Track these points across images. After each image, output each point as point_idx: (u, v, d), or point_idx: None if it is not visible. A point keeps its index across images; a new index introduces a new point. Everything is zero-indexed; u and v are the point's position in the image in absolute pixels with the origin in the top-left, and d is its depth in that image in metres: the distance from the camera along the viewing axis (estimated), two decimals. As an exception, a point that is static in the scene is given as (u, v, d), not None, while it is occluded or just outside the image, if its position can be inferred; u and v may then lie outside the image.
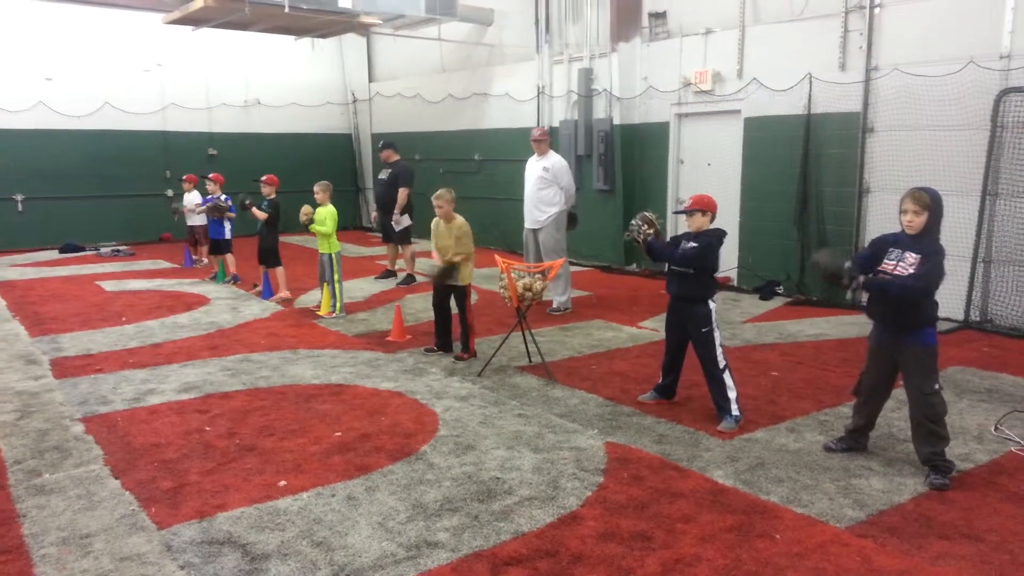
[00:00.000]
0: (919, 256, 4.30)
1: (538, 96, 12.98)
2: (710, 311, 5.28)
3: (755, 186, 10.09)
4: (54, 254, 13.77)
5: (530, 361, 6.77)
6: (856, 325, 8.19)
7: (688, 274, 5.32)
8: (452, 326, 7.16)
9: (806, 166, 9.44)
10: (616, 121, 11.67)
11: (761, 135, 9.97)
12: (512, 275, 6.61)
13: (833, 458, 4.70)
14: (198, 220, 11.79)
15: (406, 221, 10.70)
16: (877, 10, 8.72)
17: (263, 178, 9.67)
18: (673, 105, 11.08)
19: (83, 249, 14.09)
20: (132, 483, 4.37)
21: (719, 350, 5.28)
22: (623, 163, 11.70)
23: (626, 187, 11.76)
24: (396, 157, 10.96)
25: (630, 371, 6.54)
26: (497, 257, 7.03)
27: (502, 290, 6.77)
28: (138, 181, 15.11)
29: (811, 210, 9.48)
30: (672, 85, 10.99)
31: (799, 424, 5.26)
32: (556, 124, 12.49)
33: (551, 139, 9.54)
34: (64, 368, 6.65)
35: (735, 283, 10.34)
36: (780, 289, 9.73)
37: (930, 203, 4.36)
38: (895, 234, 4.52)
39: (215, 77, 16.05)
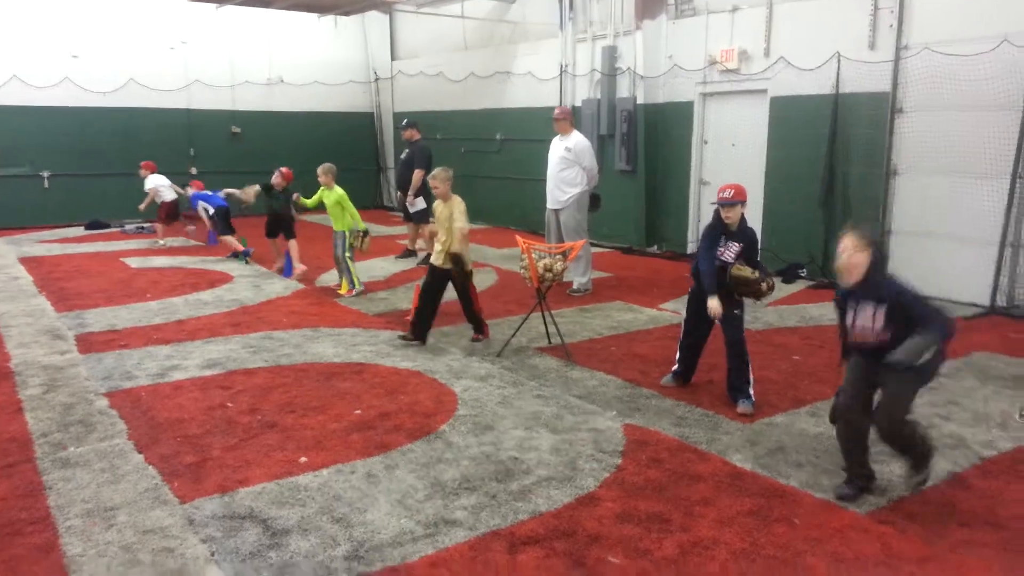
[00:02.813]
0: (883, 305, 3.83)
1: (561, 75, 12.86)
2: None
3: (780, 167, 9.96)
4: (80, 231, 13.93)
5: (549, 342, 6.76)
6: (880, 309, 8.10)
7: (728, 265, 5.17)
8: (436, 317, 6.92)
9: (833, 147, 9.29)
10: (640, 100, 11.54)
11: (787, 115, 9.82)
12: (533, 255, 6.59)
13: (854, 443, 4.66)
14: (168, 196, 12.14)
15: (420, 204, 10.61)
16: (908, -12, 8.52)
17: (282, 169, 9.91)
18: (698, 84, 10.94)
19: (108, 226, 14.23)
20: (155, 457, 4.43)
21: (742, 335, 5.27)
22: (646, 143, 11.59)
23: (648, 167, 11.65)
24: (418, 136, 10.92)
25: (650, 353, 6.51)
26: (518, 237, 7.01)
27: (522, 270, 6.75)
28: (163, 158, 15.13)
29: (837, 192, 9.35)
30: (697, 64, 10.84)
31: (820, 409, 5.21)
32: (579, 103, 12.38)
33: (574, 118, 9.45)
34: (89, 343, 6.74)
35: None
36: (803, 272, 9.61)
37: (873, 241, 3.96)
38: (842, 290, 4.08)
39: (239, 55, 16.07)
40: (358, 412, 5.17)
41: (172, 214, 12.29)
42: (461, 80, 15.21)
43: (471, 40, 15.25)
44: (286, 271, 9.86)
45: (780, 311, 8.01)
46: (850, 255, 3.88)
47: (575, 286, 8.86)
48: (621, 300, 8.52)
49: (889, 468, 4.26)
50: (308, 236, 13.30)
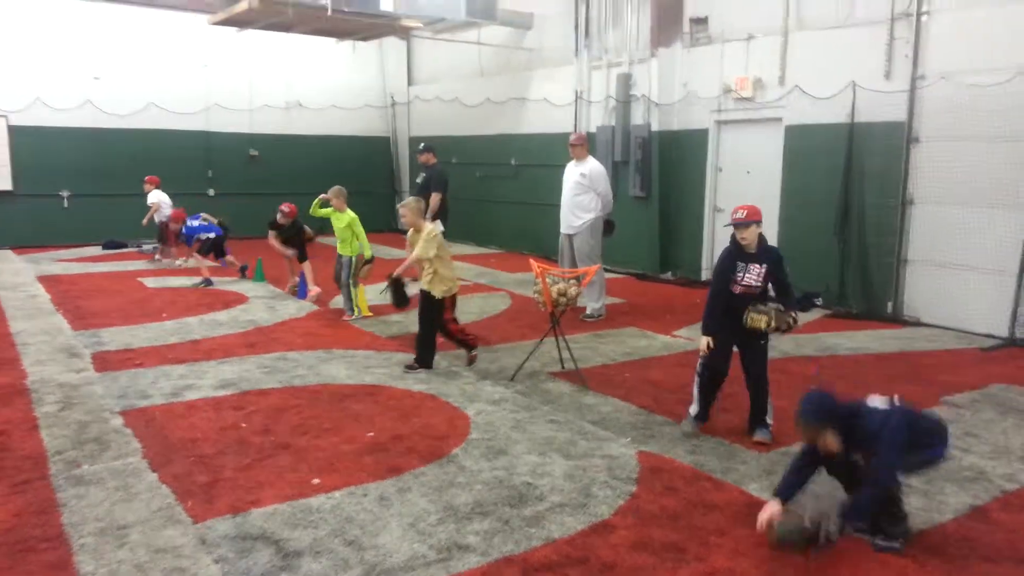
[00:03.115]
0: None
1: (576, 101, 12.96)
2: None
3: (795, 195, 9.95)
4: (97, 250, 14.07)
5: (563, 367, 6.74)
6: (898, 339, 8.04)
7: (757, 295, 5.03)
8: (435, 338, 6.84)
9: (848, 176, 9.29)
10: (654, 127, 11.60)
11: (802, 143, 9.83)
12: (547, 280, 6.59)
13: (872, 474, 4.60)
14: (167, 214, 12.04)
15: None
16: (924, 18, 8.56)
17: (284, 209, 9.91)
18: (713, 112, 10.98)
19: (125, 246, 14.37)
20: (169, 476, 4.43)
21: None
22: (660, 170, 11.62)
23: (663, 194, 11.67)
24: (434, 160, 11.01)
25: (664, 380, 6.48)
26: (532, 262, 7.01)
27: (536, 295, 6.75)
28: (181, 180, 15.33)
29: (852, 221, 9.32)
30: (712, 91, 10.89)
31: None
32: (594, 129, 12.45)
33: (588, 144, 9.50)
34: (105, 362, 6.78)
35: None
36: (819, 301, 9.57)
37: (819, 420, 3.75)
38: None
39: (258, 79, 16.30)
40: (371, 434, 5.16)
41: (175, 238, 12.03)
42: (477, 105, 15.35)
43: (487, 66, 15.41)
44: (300, 293, 9.90)
45: (797, 339, 7.95)
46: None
47: (589, 311, 8.85)
48: (635, 326, 8.49)
49: (907, 500, 4.20)
50: (325, 257, 13.38)
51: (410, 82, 17.81)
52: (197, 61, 15.58)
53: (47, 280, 10.86)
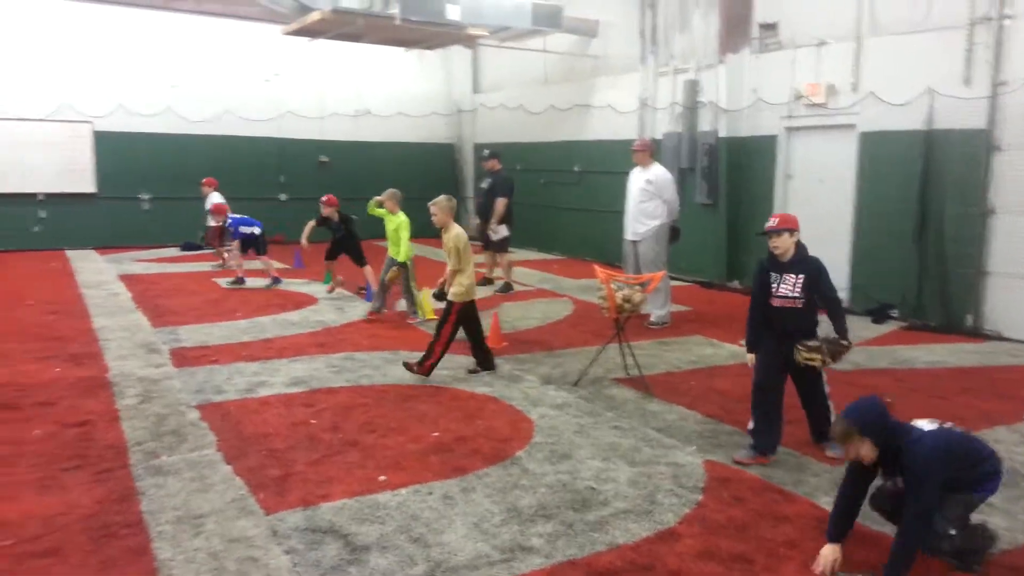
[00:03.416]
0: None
1: (641, 108, 12.88)
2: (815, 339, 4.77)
3: (870, 204, 9.68)
4: (176, 251, 14.59)
5: (627, 374, 6.70)
6: (978, 354, 7.74)
7: (797, 309, 4.73)
8: (483, 340, 6.85)
9: (925, 184, 8.98)
10: (722, 134, 11.45)
11: (877, 151, 9.56)
12: (611, 286, 6.56)
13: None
14: (211, 221, 12.20)
15: (503, 231, 10.79)
16: (1007, 22, 8.23)
17: (323, 199, 10.07)
18: (783, 118, 10.77)
19: (202, 248, 14.87)
20: (242, 469, 4.57)
21: (826, 387, 4.98)
22: (728, 177, 11.46)
23: (730, 202, 11.50)
24: (499, 167, 11.09)
25: (731, 389, 6.37)
26: (597, 268, 6.99)
27: (601, 300, 6.73)
28: (254, 185, 15.84)
29: (930, 230, 9.01)
30: (782, 98, 10.68)
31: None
32: (659, 136, 12.35)
33: (654, 151, 9.43)
34: (182, 358, 7.03)
35: (846, 304, 9.91)
36: (895, 313, 9.27)
37: (860, 427, 3.48)
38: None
39: (329, 87, 16.71)
40: (436, 434, 5.22)
41: (222, 238, 12.30)
42: (541, 113, 15.40)
43: (552, 74, 15.45)
44: (368, 296, 10.07)
45: (870, 352, 7.73)
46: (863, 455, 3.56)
47: (653, 319, 8.77)
48: (701, 334, 8.38)
49: (989, 519, 4.04)
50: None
51: (475, 89, 17.99)
52: (271, 70, 16.06)
53: (128, 279, 11.32)
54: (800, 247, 4.77)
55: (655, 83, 12.67)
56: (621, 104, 13.34)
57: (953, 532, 3.52)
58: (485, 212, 10.95)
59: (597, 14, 14.14)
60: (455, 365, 6.99)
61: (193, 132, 15.45)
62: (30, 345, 7.37)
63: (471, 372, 6.76)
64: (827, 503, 4.24)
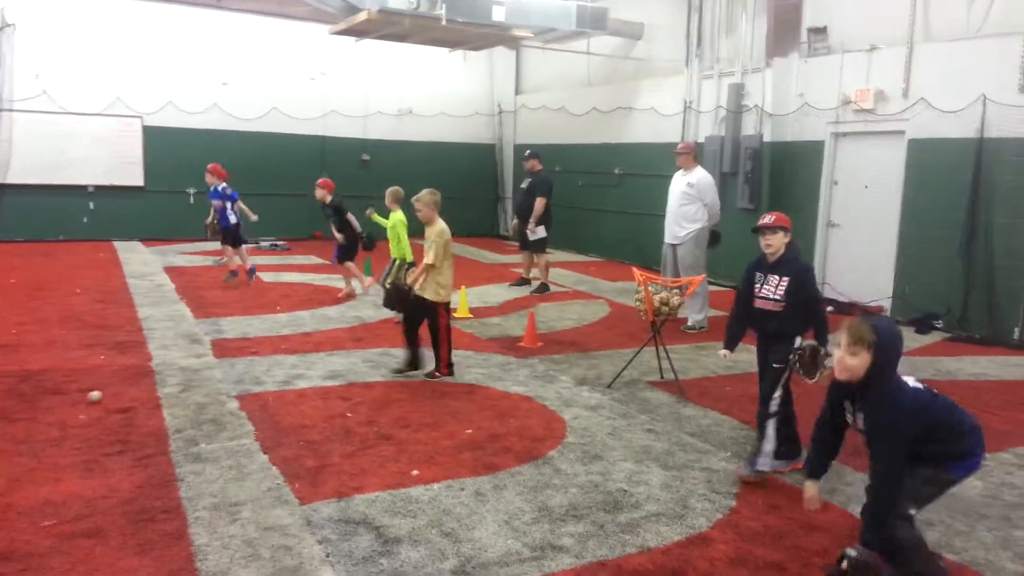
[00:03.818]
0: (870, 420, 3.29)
1: (684, 111, 12.78)
2: (792, 347, 4.48)
3: (917, 212, 9.47)
4: (218, 245, 14.83)
5: (662, 377, 6.65)
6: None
7: (777, 312, 4.49)
8: (420, 344, 6.62)
9: (976, 193, 8.77)
10: (766, 138, 11.30)
11: (926, 158, 9.35)
12: (649, 289, 6.53)
13: (993, 505, 4.34)
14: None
15: (541, 232, 10.79)
16: (1068, 28, 8.01)
17: (318, 182, 9.84)
18: (829, 123, 10.60)
19: (245, 242, 15.08)
20: (278, 459, 4.64)
21: (779, 392, 4.56)
22: (771, 182, 11.31)
23: (773, 206, 11.31)
24: (540, 168, 11.09)
25: (768, 396, 6.28)
26: (635, 270, 6.96)
27: (638, 303, 6.70)
28: (297, 182, 16.04)
29: (979, 241, 8.79)
30: (830, 103, 10.51)
31: (955, 467, 4.87)
32: (702, 139, 12.24)
33: (696, 154, 9.35)
34: (223, 349, 7.16)
35: (889, 313, 9.73)
36: (939, 324, 9.06)
37: (876, 341, 3.18)
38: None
39: (373, 86, 16.88)
40: (469, 431, 5.24)
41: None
42: (583, 114, 15.37)
43: (595, 76, 15.42)
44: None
45: (913, 362, 7.56)
46: (846, 363, 3.27)
47: (690, 323, 8.70)
48: (738, 340, 8.28)
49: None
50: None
51: (517, 91, 18.02)
52: (317, 69, 16.28)
53: (172, 271, 11.57)
54: (791, 249, 4.56)
55: (699, 86, 12.57)
56: (664, 107, 13.25)
57: (913, 512, 3.23)
58: (523, 212, 10.97)
59: (642, 17, 14.08)
60: (490, 364, 7.01)
61: (239, 129, 15.73)
62: (78, 332, 7.58)
63: (396, 372, 6.55)
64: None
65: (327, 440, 4.98)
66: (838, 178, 10.70)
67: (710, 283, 9.72)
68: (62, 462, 4.50)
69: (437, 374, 6.49)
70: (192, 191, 15.50)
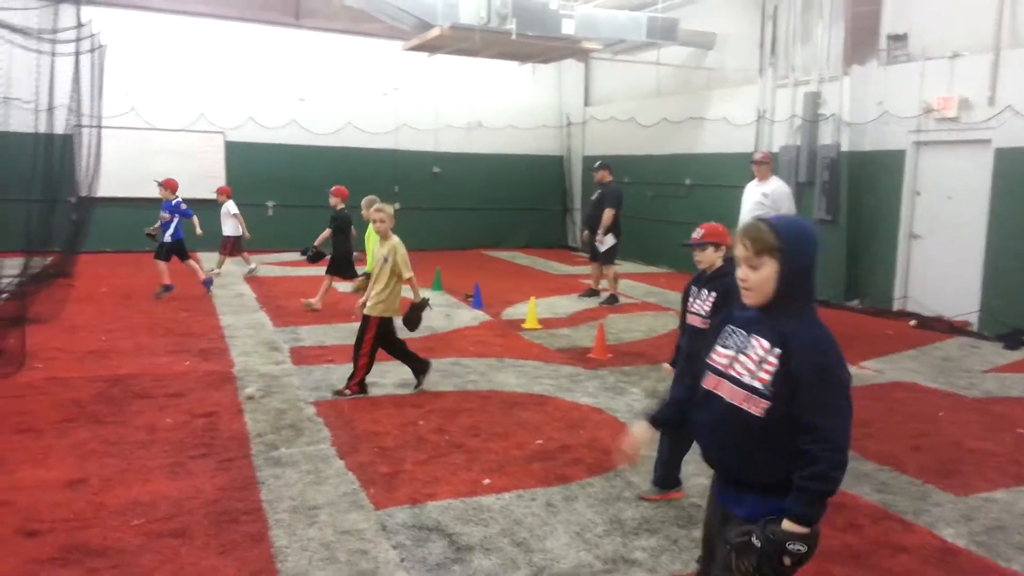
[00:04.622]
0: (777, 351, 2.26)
1: (758, 120, 12.56)
2: None
3: (1005, 223, 9.06)
4: (297, 256, 15.28)
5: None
6: None
7: (706, 330, 3.80)
8: (408, 350, 6.54)
9: (1070, 203, 8.36)
10: (844, 148, 11.00)
11: (1015, 168, 8.94)
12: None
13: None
14: (229, 230, 12.32)
15: (610, 241, 10.75)
16: None
17: (331, 189, 9.95)
18: (911, 132, 10.26)
19: (324, 255, 15.43)
20: (354, 464, 4.74)
21: None
22: (849, 192, 11.00)
23: (851, 218, 11.03)
24: (609, 178, 11.07)
25: (847, 412, 6.10)
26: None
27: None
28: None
29: (1074, 253, 8.36)
30: (910, 111, 10.18)
31: (1050, 490, 4.64)
32: (776, 150, 12.00)
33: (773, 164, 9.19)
34: (301, 356, 7.36)
35: (975, 328, 9.33)
36: (1029, 339, 8.63)
37: (776, 242, 2.27)
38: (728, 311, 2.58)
39: (443, 100, 17.15)
40: (539, 442, 5.25)
41: (236, 246, 12.39)
42: (652, 125, 15.26)
43: (665, 86, 15.30)
44: (475, 302, 10.24)
45: (1002, 379, 7.23)
46: (742, 275, 2.37)
47: (764, 337, 8.50)
48: (814, 355, 8.05)
49: None
50: (497, 270, 13.82)
51: (586, 102, 18.02)
52: (389, 84, 16.64)
53: (252, 281, 11.96)
54: (730, 264, 4.06)
55: (773, 95, 12.33)
56: (737, 117, 13.05)
57: None
58: (593, 223, 10.94)
59: (714, 26, 13.92)
60: (559, 375, 7.01)
61: (315, 144, 16.18)
62: (164, 339, 7.90)
63: (417, 388, 6.40)
64: (951, 535, 4.01)
65: (400, 447, 5.06)
66: (920, 188, 10.33)
67: (785, 296, 9.49)
68: (150, 464, 4.69)
69: (347, 392, 6.16)
70: (271, 204, 16.00)
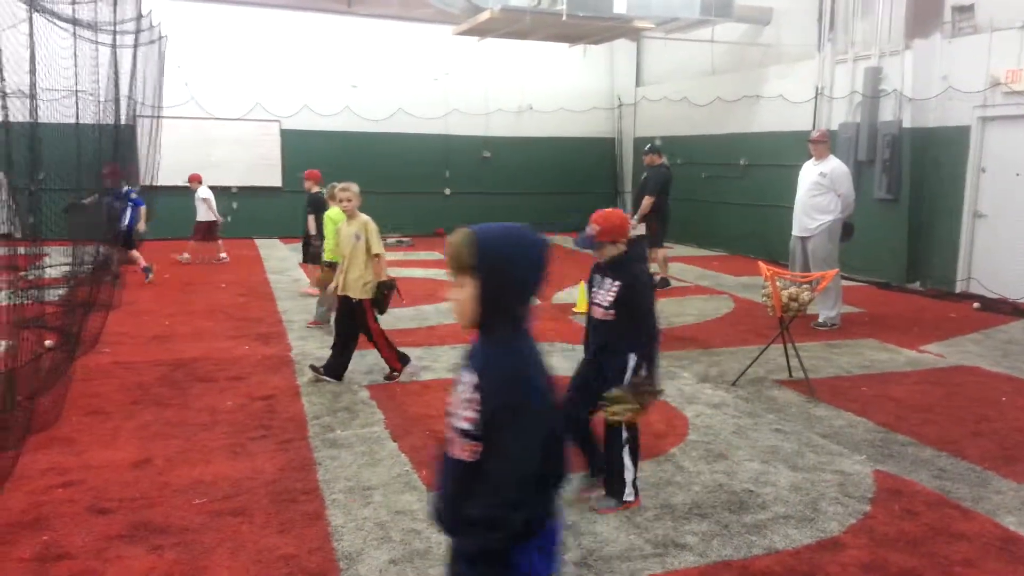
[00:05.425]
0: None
1: (816, 97, 12.25)
2: (626, 366, 3.87)
3: (1078, 200, 8.70)
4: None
5: (791, 375, 6.43)
6: None
7: (608, 321, 3.91)
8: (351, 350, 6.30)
9: None
10: (906, 124, 10.67)
11: (1090, 141, 8.57)
12: (776, 284, 6.32)
13: None
14: (202, 215, 12.37)
15: (640, 229, 10.44)
16: None
17: (303, 173, 9.91)
18: (976, 107, 9.88)
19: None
20: (407, 446, 4.83)
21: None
22: (911, 170, 10.66)
23: (913, 196, 10.70)
24: (660, 161, 10.91)
25: (907, 398, 5.97)
26: (761, 264, 6.75)
27: (765, 299, 6.50)
28: (421, 180, 16.58)
29: None
30: (977, 85, 9.80)
31: (1122, 479, 4.47)
32: (835, 127, 11.69)
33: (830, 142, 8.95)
34: (354, 341, 7.48)
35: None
36: (1103, 322, 8.29)
37: (472, 260, 1.94)
38: None
39: (493, 84, 17.14)
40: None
41: (211, 231, 12.48)
42: (706, 105, 15.00)
43: (719, 64, 15.01)
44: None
45: (1070, 364, 6.97)
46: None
47: (821, 319, 8.35)
48: (874, 338, 7.89)
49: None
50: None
51: (638, 83, 17.80)
52: (440, 69, 16.70)
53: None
54: (632, 246, 3.95)
55: (832, 71, 12.01)
56: (794, 94, 12.74)
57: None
58: (636, 207, 10.82)
59: (770, 1, 13.58)
60: (611, 359, 6.99)
61: (368, 130, 16.36)
62: (224, 324, 8.14)
63: (313, 370, 6.16)
64: (1013, 523, 3.91)
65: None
66: (986, 165, 9.97)
67: (843, 278, 9.28)
68: (212, 445, 4.86)
69: (396, 373, 6.22)
70: (325, 191, 16.26)
